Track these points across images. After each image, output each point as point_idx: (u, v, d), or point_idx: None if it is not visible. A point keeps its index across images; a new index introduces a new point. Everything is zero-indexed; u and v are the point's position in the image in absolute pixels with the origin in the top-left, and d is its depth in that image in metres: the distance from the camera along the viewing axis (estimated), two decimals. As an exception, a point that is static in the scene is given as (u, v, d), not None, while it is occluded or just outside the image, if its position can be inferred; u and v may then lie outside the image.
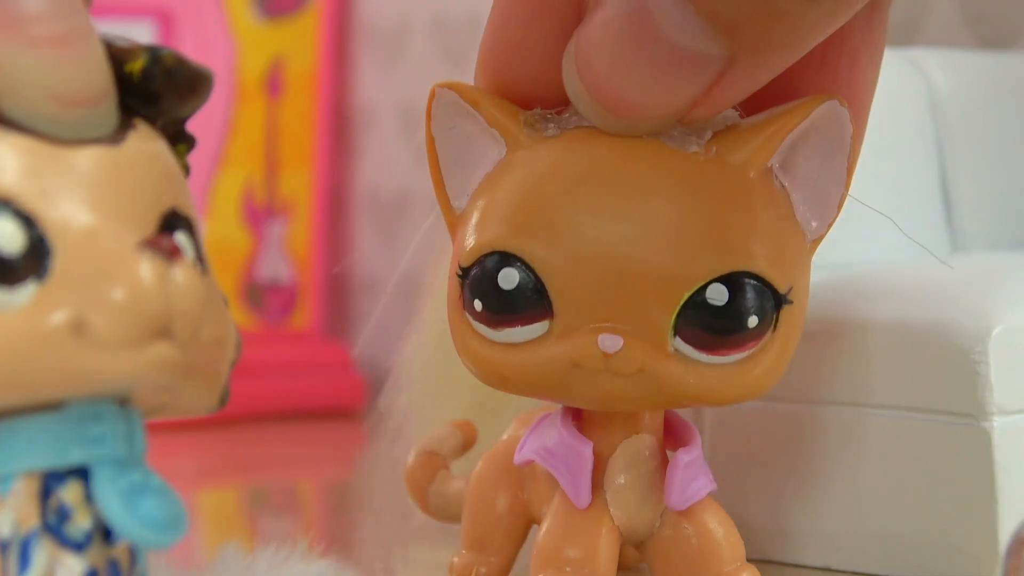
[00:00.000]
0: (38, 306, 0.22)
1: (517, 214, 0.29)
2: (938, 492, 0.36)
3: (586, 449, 0.30)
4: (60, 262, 0.22)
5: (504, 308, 0.29)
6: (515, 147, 0.30)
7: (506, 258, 0.29)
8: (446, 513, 0.37)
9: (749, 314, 0.28)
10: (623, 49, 0.27)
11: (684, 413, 0.39)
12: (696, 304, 0.28)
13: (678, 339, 0.28)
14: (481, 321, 0.29)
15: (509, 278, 0.29)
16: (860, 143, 0.31)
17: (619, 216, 0.28)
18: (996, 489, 0.35)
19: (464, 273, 0.29)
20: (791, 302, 0.29)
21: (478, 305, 0.29)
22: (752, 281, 0.28)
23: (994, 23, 0.58)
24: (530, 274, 0.28)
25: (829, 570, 0.38)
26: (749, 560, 0.33)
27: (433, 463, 0.37)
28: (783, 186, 0.29)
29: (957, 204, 0.47)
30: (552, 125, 0.30)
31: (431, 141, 0.31)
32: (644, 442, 0.31)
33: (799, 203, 0.29)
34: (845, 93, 0.30)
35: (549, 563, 0.30)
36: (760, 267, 0.28)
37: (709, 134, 0.29)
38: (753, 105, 0.29)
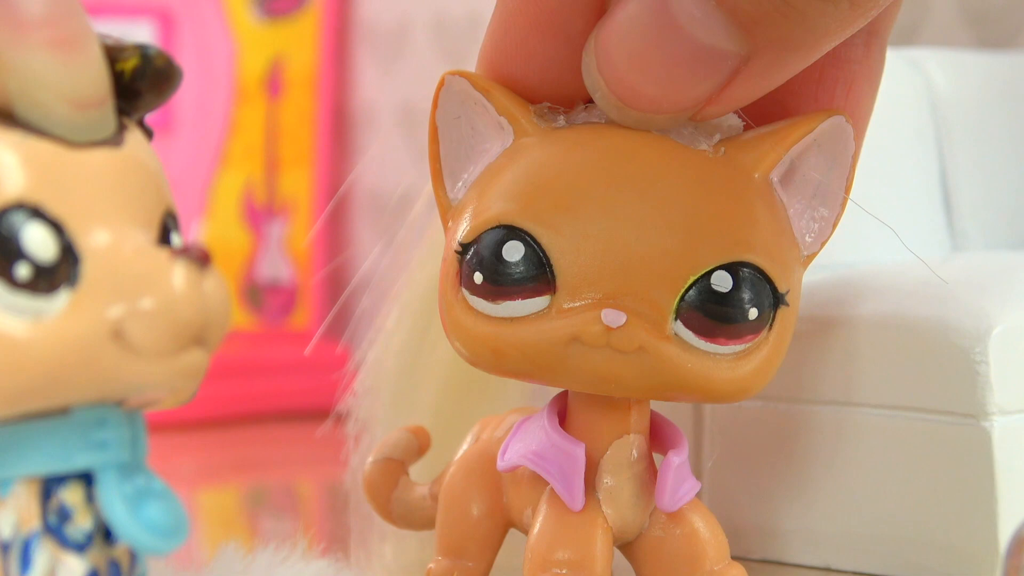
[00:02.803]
0: (74, 313, 0.22)
1: (525, 192, 0.29)
2: (938, 492, 0.36)
3: (579, 451, 0.30)
4: (89, 268, 0.23)
5: (506, 280, 0.29)
6: (522, 135, 0.30)
7: (512, 231, 0.29)
8: (410, 520, 0.36)
9: (750, 305, 0.29)
10: (643, 43, 0.28)
11: (680, 415, 0.39)
12: (700, 289, 0.28)
13: (679, 323, 0.28)
14: (479, 295, 0.29)
15: (514, 250, 0.29)
16: (855, 165, 0.31)
17: (629, 197, 0.29)
18: (996, 489, 0.35)
19: (464, 249, 0.29)
20: (787, 304, 0.29)
21: (478, 278, 0.29)
22: (756, 274, 0.29)
23: (994, 23, 0.58)
24: (536, 248, 0.29)
25: (828, 570, 0.38)
26: (749, 560, 0.33)
27: (393, 469, 0.36)
28: (781, 200, 0.30)
29: (957, 204, 0.47)
30: (562, 118, 0.30)
31: (434, 130, 0.31)
32: (634, 442, 0.31)
33: (796, 218, 0.30)
34: None
35: (543, 566, 0.30)
36: (764, 262, 0.29)
37: (718, 137, 0.30)
38: (753, 119, 0.30)
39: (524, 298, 0.29)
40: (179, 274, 0.23)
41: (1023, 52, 0.56)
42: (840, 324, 0.37)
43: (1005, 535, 0.35)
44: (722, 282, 0.28)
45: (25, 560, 0.23)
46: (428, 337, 0.39)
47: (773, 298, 0.29)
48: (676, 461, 0.31)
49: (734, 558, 0.32)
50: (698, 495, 0.32)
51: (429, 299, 0.39)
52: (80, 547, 0.23)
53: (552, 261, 0.29)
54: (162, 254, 0.23)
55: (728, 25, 0.27)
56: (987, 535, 0.35)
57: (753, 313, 0.29)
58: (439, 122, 0.31)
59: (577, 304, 0.29)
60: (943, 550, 0.36)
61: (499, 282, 0.29)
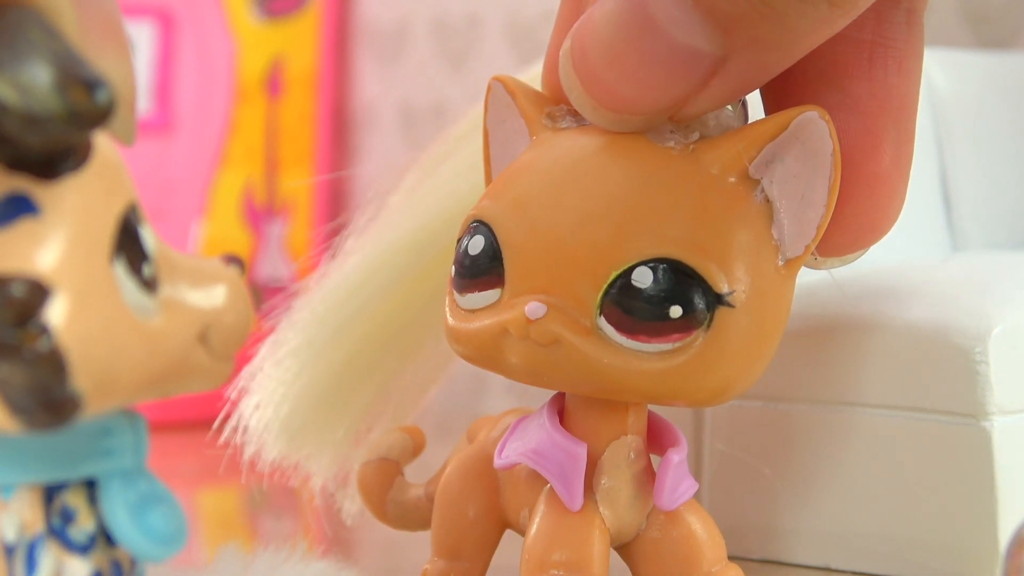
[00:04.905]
0: (165, 313, 0.23)
1: (499, 190, 0.30)
2: (938, 492, 0.36)
3: (580, 450, 0.30)
4: (160, 270, 0.23)
5: (468, 273, 0.30)
6: (534, 135, 0.31)
7: (479, 226, 0.30)
8: (405, 521, 0.36)
9: (671, 303, 0.28)
10: (619, 43, 0.27)
11: (680, 416, 0.39)
12: (621, 285, 0.28)
13: (602, 318, 0.28)
14: (454, 287, 0.30)
15: (476, 244, 0.30)
16: (911, 146, 0.30)
17: (572, 195, 0.29)
18: (996, 489, 0.35)
19: (457, 244, 0.30)
20: (731, 305, 0.28)
21: (453, 271, 0.30)
22: (680, 272, 0.28)
23: (994, 23, 0.58)
24: (493, 242, 0.29)
25: (829, 570, 0.38)
26: (749, 560, 0.33)
27: (388, 470, 0.36)
28: (767, 200, 0.29)
29: (957, 204, 0.47)
30: (570, 119, 0.31)
31: (486, 134, 0.32)
32: (632, 443, 0.31)
33: (783, 220, 0.29)
34: (896, 97, 0.30)
35: (541, 567, 0.30)
36: (693, 260, 0.28)
37: (695, 136, 0.29)
38: (806, 102, 0.29)
39: (481, 290, 0.30)
40: (238, 283, 0.24)
41: (1023, 52, 0.56)
42: (840, 324, 0.37)
43: (1005, 535, 0.35)
44: (642, 278, 0.28)
45: (31, 563, 0.23)
46: (335, 337, 0.39)
47: (706, 298, 0.28)
48: (675, 459, 0.31)
49: (734, 558, 0.32)
50: (698, 496, 0.32)
51: (351, 295, 0.39)
52: (83, 549, 0.23)
53: (504, 255, 0.29)
54: (215, 261, 0.24)
55: (706, 25, 0.27)
56: (987, 535, 0.35)
57: (676, 311, 0.28)
58: (489, 126, 0.32)
59: (518, 297, 0.29)
60: (943, 550, 0.36)
61: (463, 274, 0.30)
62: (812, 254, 0.30)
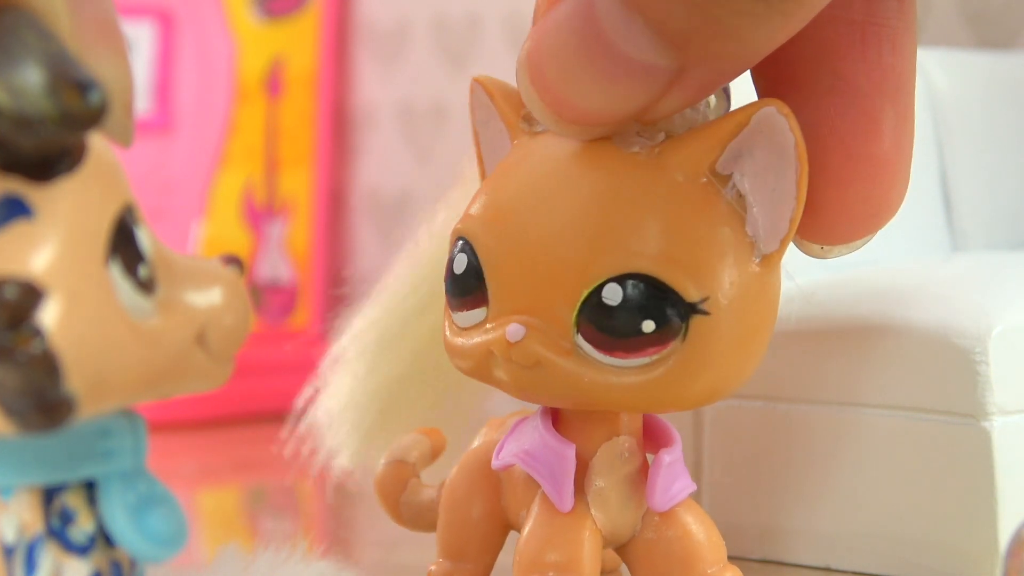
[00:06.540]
0: (164, 315, 0.23)
1: (481, 203, 0.30)
2: (938, 492, 0.36)
3: (569, 452, 0.30)
4: (157, 272, 0.23)
5: (456, 292, 0.30)
6: (514, 139, 0.31)
7: (464, 243, 0.30)
8: (419, 523, 0.36)
9: (643, 318, 0.28)
10: (573, 58, 0.27)
11: (680, 415, 0.39)
12: (593, 303, 0.28)
13: (579, 336, 0.28)
14: (448, 304, 0.30)
15: (460, 263, 0.30)
16: (912, 127, 0.30)
17: (546, 211, 0.29)
18: (996, 489, 0.35)
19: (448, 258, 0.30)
20: (706, 312, 0.28)
21: (445, 287, 0.30)
22: (649, 285, 0.28)
23: (994, 23, 0.58)
24: (475, 261, 0.29)
25: (828, 570, 0.38)
26: (749, 560, 0.33)
27: (403, 472, 0.36)
28: (739, 195, 0.28)
29: (957, 204, 0.47)
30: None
31: (475, 133, 0.32)
32: (624, 444, 0.31)
33: (757, 216, 0.29)
34: (892, 77, 0.29)
35: (532, 568, 0.30)
36: (661, 271, 0.28)
37: (661, 136, 0.29)
38: (801, 86, 0.29)
39: (468, 309, 0.30)
40: (236, 283, 0.24)
41: (1023, 52, 0.56)
42: (840, 324, 0.37)
43: (1005, 535, 0.35)
44: (612, 295, 0.28)
45: (30, 564, 0.23)
46: (397, 340, 0.40)
47: (678, 308, 0.28)
48: (667, 459, 0.31)
49: (734, 558, 0.32)
50: (698, 496, 0.32)
51: (408, 298, 0.39)
52: (83, 550, 0.23)
53: (485, 274, 0.29)
54: (214, 261, 0.24)
55: (658, 42, 0.26)
56: (987, 535, 0.35)
57: (649, 326, 0.28)
58: (476, 126, 0.32)
59: (501, 317, 0.29)
60: (943, 550, 0.36)
61: (452, 293, 0.30)
62: (819, 244, 0.30)
